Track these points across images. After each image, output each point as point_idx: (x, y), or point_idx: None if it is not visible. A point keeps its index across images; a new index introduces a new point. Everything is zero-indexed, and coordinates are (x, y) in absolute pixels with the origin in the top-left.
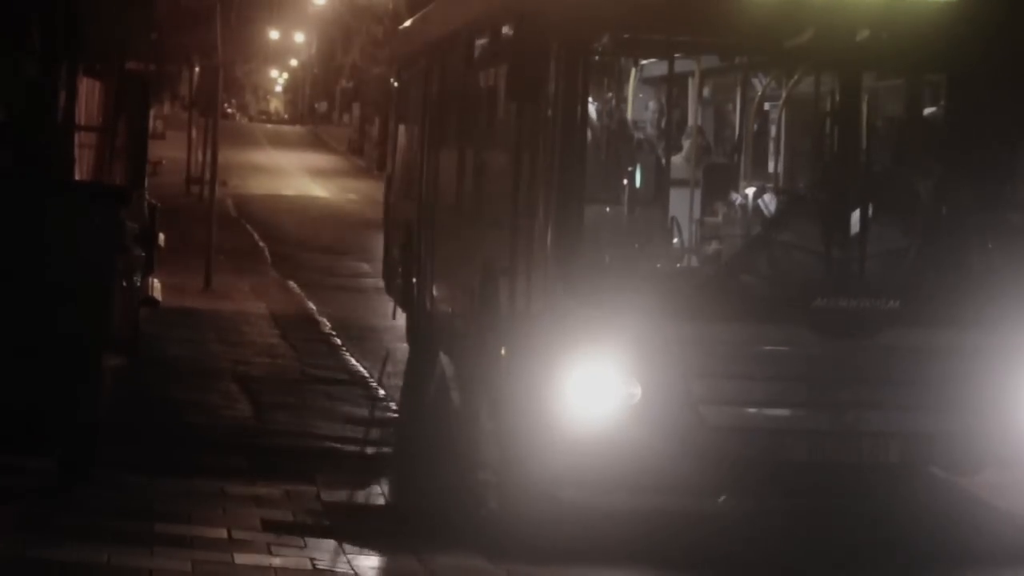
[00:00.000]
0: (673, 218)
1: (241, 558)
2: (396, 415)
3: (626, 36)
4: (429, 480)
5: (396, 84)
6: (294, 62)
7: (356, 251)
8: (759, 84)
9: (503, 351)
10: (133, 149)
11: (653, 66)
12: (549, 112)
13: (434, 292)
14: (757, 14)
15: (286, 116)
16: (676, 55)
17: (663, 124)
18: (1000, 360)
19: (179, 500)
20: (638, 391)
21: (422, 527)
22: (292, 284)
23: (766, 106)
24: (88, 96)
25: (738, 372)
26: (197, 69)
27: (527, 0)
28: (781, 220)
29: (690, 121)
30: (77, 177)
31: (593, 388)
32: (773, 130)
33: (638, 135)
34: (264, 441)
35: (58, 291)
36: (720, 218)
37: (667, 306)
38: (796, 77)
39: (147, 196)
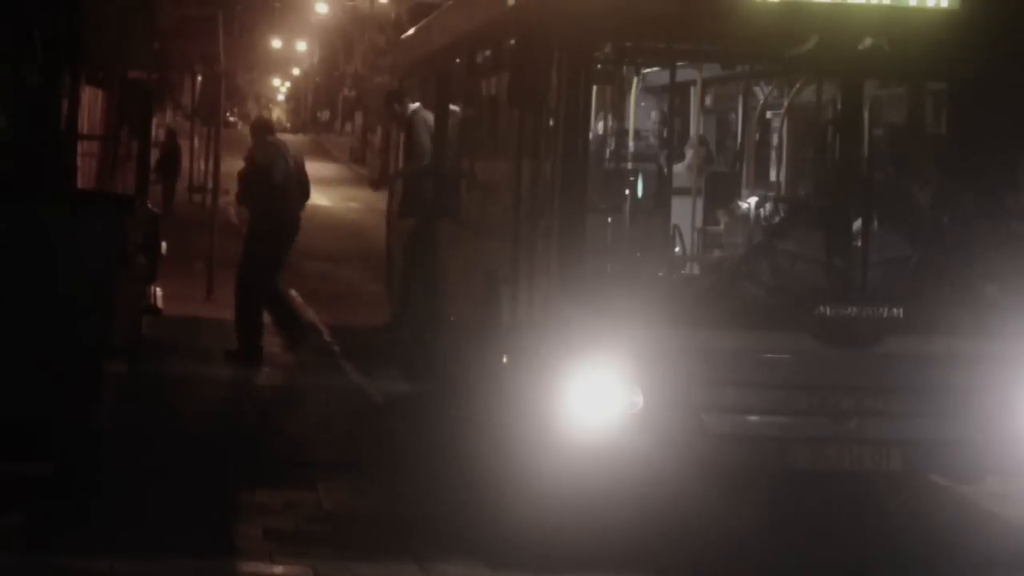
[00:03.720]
0: (675, 226)
1: (243, 566)
2: (396, 421)
3: (628, 45)
4: (431, 488)
5: None
6: (296, 71)
7: (357, 260)
8: (761, 92)
9: (505, 359)
10: (139, 158)
11: (655, 75)
12: (551, 121)
13: (436, 301)
14: (759, 22)
15: (288, 125)
16: (678, 64)
17: (665, 133)
18: (1003, 368)
19: (181, 508)
20: (640, 399)
21: (424, 535)
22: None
23: (768, 114)
24: (90, 105)
25: (740, 380)
26: (199, 78)
27: (530, 10)
28: (783, 228)
29: (692, 130)
30: (79, 186)
31: (595, 396)
32: (775, 138)
33: (640, 144)
34: (266, 449)
35: (61, 299)
36: (722, 227)
37: (669, 314)
38: (798, 85)
39: (149, 204)
